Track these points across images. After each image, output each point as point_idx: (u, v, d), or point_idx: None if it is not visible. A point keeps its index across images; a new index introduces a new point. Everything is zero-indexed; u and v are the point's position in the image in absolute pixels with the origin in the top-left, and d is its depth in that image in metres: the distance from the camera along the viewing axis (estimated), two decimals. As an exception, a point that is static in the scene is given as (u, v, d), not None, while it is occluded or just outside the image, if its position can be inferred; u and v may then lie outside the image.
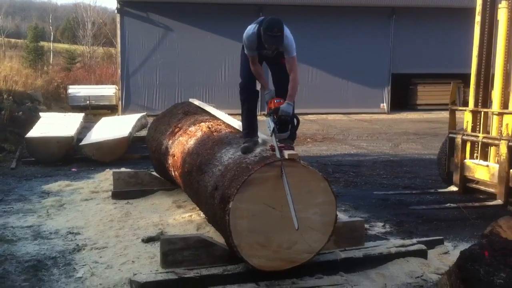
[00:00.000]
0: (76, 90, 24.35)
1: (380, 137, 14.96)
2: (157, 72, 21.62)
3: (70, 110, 20.72)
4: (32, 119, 13.52)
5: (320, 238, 4.35)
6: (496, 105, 7.46)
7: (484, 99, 7.73)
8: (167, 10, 21.53)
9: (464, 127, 7.86)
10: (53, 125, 11.87)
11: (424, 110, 23.01)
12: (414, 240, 5.15)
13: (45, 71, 33.01)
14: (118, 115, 19.70)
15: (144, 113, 15.12)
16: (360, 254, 4.73)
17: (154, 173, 7.67)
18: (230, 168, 4.57)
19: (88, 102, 23.26)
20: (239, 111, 5.26)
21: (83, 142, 10.72)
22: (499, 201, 7.09)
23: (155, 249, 5.06)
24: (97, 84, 29.28)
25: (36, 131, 11.15)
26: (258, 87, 5.19)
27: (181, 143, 6.03)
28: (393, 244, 5.03)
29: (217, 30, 21.47)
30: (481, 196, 7.58)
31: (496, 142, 7.21)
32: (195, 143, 5.71)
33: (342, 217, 5.43)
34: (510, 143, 6.93)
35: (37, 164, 10.38)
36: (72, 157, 10.80)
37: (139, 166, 9.63)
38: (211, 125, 6.00)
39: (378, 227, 6.18)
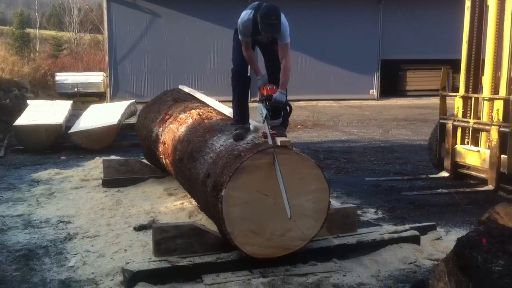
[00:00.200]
0: (64, 77, 24.14)
1: (370, 123, 14.96)
2: (145, 59, 21.38)
3: (57, 97, 20.45)
4: (19, 107, 13.39)
5: (313, 225, 4.35)
6: (486, 91, 7.45)
7: (475, 85, 7.72)
8: (154, -4, 21.27)
9: (455, 112, 7.86)
10: (41, 112, 11.75)
11: (414, 96, 22.99)
12: (407, 226, 5.16)
13: (32, 58, 32.60)
14: (107, 102, 19.52)
15: (133, 100, 15.04)
16: (353, 240, 4.73)
17: (144, 160, 7.62)
18: (222, 155, 4.53)
19: (76, 89, 23.07)
20: (229, 98, 5.21)
21: (72, 130, 10.62)
22: (490, 187, 7.11)
23: (147, 237, 5.03)
24: (84, 71, 29.02)
25: (24, 119, 11.04)
26: (250, 73, 5.14)
27: (172, 131, 5.97)
28: (386, 230, 5.04)
29: (205, 16, 21.23)
30: (472, 182, 7.61)
31: (487, 127, 7.21)
32: (186, 130, 5.66)
33: (335, 203, 5.43)
34: (501, 129, 6.94)
35: (25, 152, 10.27)
36: (61, 145, 10.70)
37: (129, 154, 9.58)
38: (202, 112, 5.95)
39: (370, 213, 6.18)
